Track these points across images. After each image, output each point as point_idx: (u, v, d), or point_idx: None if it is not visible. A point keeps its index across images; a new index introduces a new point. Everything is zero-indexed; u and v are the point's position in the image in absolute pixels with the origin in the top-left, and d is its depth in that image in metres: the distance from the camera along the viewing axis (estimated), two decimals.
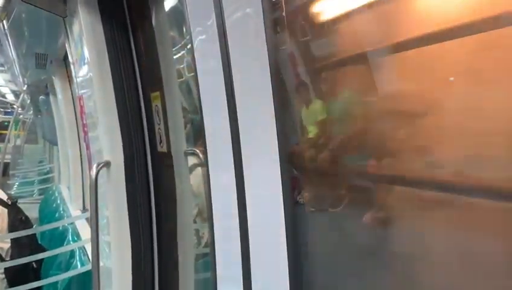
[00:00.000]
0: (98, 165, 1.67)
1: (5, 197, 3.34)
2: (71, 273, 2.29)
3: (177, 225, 1.71)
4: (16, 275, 2.99)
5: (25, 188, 7.39)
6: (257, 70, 0.93)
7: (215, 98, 1.08)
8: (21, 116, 10.33)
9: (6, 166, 8.06)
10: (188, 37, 1.22)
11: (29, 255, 2.59)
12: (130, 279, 1.71)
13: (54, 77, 4.34)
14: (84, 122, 2.17)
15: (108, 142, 1.71)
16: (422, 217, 0.82)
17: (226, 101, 1.03)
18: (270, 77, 0.90)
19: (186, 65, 1.83)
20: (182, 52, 1.84)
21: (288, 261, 0.91)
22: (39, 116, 8.08)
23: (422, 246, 0.82)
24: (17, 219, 3.29)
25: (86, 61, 1.88)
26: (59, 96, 4.46)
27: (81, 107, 2.21)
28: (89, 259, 2.39)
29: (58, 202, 4.53)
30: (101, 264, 1.73)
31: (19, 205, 3.49)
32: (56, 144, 5.94)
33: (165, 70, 1.66)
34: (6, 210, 3.26)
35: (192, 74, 1.55)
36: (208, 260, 1.51)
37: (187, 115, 1.78)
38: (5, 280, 3.12)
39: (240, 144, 1.01)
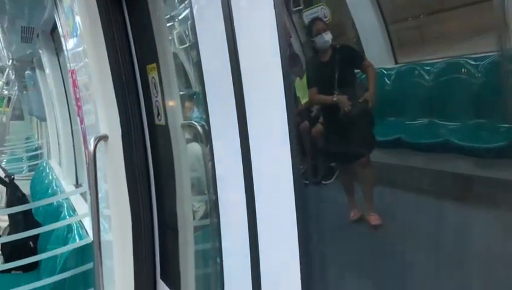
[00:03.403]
0: (96, 138, 1.66)
1: (2, 175, 3.32)
2: (70, 247, 2.31)
3: (176, 196, 1.73)
4: (13, 253, 3.00)
5: (14, 164, 7.32)
6: (264, 34, 0.92)
7: (218, 66, 1.07)
8: (6, 92, 10.13)
9: None
10: (185, 5, 1.19)
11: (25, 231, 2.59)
12: (131, 250, 1.74)
13: (41, 51, 4.25)
14: (77, 96, 2.15)
15: (105, 115, 1.70)
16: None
17: (230, 69, 1.02)
18: (278, 41, 0.89)
19: (182, 36, 1.80)
20: (178, 22, 1.80)
21: (298, 231, 0.92)
22: (25, 92, 7.94)
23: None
24: (15, 197, 3.28)
25: (78, 33, 1.84)
26: (47, 70, 4.38)
27: (74, 80, 2.18)
28: (86, 233, 2.41)
29: (50, 178, 4.50)
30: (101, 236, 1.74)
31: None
32: (44, 120, 5.86)
33: (160, 41, 1.64)
34: (4, 188, 3.25)
35: (190, 44, 1.54)
36: (207, 230, 1.53)
37: (184, 87, 1.77)
38: (2, 256, 3.14)
39: (246, 113, 1.00)
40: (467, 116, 0.84)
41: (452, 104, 0.86)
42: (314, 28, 1.08)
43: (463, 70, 0.89)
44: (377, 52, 1.10)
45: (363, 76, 1.05)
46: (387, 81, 1.07)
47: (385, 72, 1.07)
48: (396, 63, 1.08)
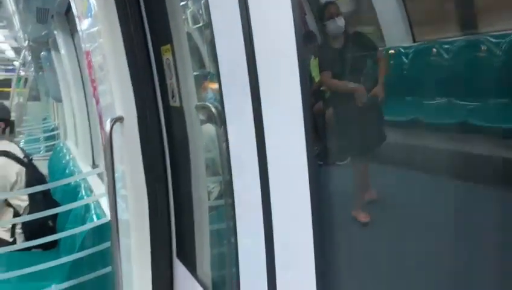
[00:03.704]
0: (112, 120, 1.68)
1: (21, 155, 3.39)
2: (89, 225, 2.36)
3: (191, 176, 1.75)
4: (33, 231, 3.08)
5: (32, 145, 7.45)
6: (279, 13, 0.91)
7: (232, 46, 1.07)
8: (22, 73, 10.25)
9: (12, 124, 8.08)
10: None
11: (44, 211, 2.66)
12: (148, 229, 1.77)
13: (56, 32, 4.27)
14: (93, 77, 2.16)
15: (120, 97, 1.71)
16: None
17: (244, 52, 1.01)
18: (294, 22, 0.88)
19: (197, 16, 1.79)
20: (193, 2, 1.79)
21: (312, 213, 0.92)
22: (40, 72, 8.02)
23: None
24: (34, 177, 3.35)
25: (92, 13, 1.85)
26: (62, 51, 4.40)
27: (89, 62, 2.20)
28: (104, 212, 2.46)
29: (67, 158, 4.58)
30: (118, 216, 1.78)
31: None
32: (60, 101, 5.93)
33: (174, 22, 1.63)
34: (24, 169, 3.32)
35: (204, 25, 1.53)
36: (222, 211, 1.55)
37: (199, 69, 1.77)
38: (23, 235, 3.23)
39: (260, 95, 1.00)
40: (487, 96, 0.83)
41: (472, 83, 0.85)
42: (327, 11, 1.04)
43: (483, 48, 0.87)
44: (394, 30, 1.08)
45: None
46: (405, 60, 1.05)
47: (403, 51, 1.05)
48: (414, 41, 1.06)
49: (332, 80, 1.06)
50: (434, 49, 0.98)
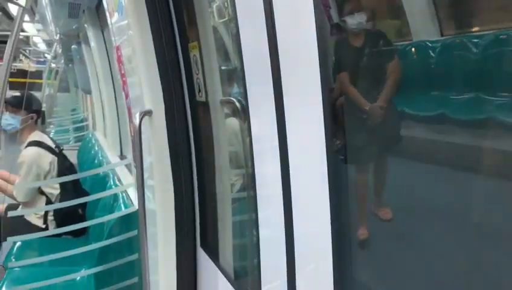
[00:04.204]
0: (141, 113, 1.75)
1: (53, 145, 3.52)
2: (117, 214, 2.45)
3: (215, 169, 1.80)
4: (64, 218, 3.21)
5: (61, 135, 7.67)
6: (301, 13, 0.94)
7: (257, 45, 1.11)
8: (53, 65, 10.52)
9: (43, 114, 8.31)
10: None
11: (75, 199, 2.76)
12: (173, 219, 1.84)
13: (86, 26, 4.39)
14: (123, 72, 2.24)
15: (149, 91, 1.78)
16: None
17: (267, 48, 1.05)
18: (315, 19, 0.91)
19: (223, 14, 1.84)
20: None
21: (330, 204, 0.96)
22: (70, 65, 8.22)
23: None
24: (64, 167, 3.48)
25: (123, 10, 1.92)
26: (92, 44, 4.53)
27: (119, 57, 2.27)
28: (131, 202, 2.54)
29: (96, 148, 4.70)
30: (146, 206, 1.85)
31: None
32: (89, 93, 6.09)
33: (202, 20, 1.69)
34: (56, 158, 3.44)
35: (230, 23, 1.57)
36: (244, 202, 1.60)
37: (224, 65, 1.82)
38: (54, 221, 3.37)
39: (282, 91, 1.04)
40: None
41: (500, 78, 0.84)
42: (346, 5, 1.01)
43: None
44: (421, 24, 1.07)
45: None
46: (432, 54, 1.04)
47: (430, 45, 1.05)
48: (442, 35, 1.04)
49: (348, 86, 1.03)
50: (462, 44, 0.98)
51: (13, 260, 2.97)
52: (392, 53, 1.04)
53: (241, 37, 1.22)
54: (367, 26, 1.01)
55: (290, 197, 1.08)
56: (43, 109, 8.52)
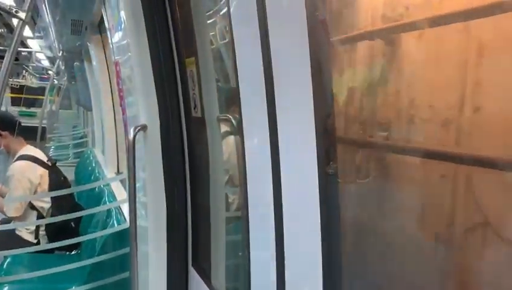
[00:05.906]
0: (136, 128, 1.74)
1: (45, 159, 3.50)
2: (109, 231, 2.42)
3: (209, 187, 1.78)
4: (55, 233, 3.17)
5: (61, 151, 7.67)
6: (295, 36, 0.94)
7: (251, 63, 1.10)
8: (56, 82, 10.60)
9: (43, 130, 8.34)
10: (223, 2, 1.22)
11: (67, 213, 2.73)
12: (165, 237, 1.80)
13: (88, 43, 4.43)
14: (120, 87, 2.24)
15: (144, 106, 1.77)
16: None
17: (262, 67, 1.05)
18: (309, 43, 0.91)
19: (220, 31, 1.85)
20: (217, 18, 1.85)
21: (321, 227, 0.94)
22: (73, 82, 8.27)
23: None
24: (57, 180, 3.45)
25: (122, 26, 1.92)
26: (94, 62, 4.55)
27: (117, 72, 2.27)
28: (124, 218, 2.51)
29: (94, 165, 4.70)
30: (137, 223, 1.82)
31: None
32: (90, 110, 6.10)
33: (199, 36, 1.69)
34: (47, 172, 3.42)
35: (226, 40, 1.57)
36: (238, 223, 1.57)
37: (220, 81, 1.81)
38: (46, 236, 3.32)
39: (276, 109, 1.03)
40: None
41: None
42: None
43: None
44: None
45: None
46: None
47: None
48: None
49: None
50: None
51: (2, 275, 2.92)
52: None
53: (236, 56, 1.21)
54: None
55: (282, 218, 1.05)
56: (43, 125, 8.60)
